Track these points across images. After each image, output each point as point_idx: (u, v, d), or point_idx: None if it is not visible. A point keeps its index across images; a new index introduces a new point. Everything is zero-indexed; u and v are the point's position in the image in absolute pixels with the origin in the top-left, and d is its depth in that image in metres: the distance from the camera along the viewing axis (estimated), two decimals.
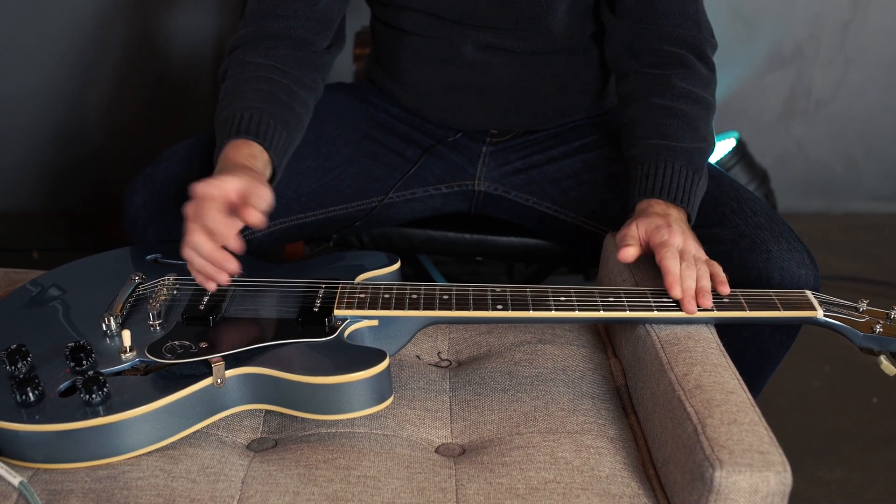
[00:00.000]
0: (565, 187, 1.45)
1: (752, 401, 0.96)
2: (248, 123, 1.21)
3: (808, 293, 1.11)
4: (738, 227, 1.27)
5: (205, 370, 0.98)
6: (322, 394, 0.97)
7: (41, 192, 2.64)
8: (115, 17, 2.43)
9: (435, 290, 1.10)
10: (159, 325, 1.06)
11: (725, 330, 1.14)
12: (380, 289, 1.10)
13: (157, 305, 1.08)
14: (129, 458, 0.94)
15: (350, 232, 1.53)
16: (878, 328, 1.07)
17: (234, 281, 1.14)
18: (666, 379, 1.00)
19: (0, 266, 1.37)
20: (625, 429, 1.07)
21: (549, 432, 1.03)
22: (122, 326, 1.05)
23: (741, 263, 1.24)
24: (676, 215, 1.20)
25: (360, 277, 1.17)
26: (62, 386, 0.96)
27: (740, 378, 1.00)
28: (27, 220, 2.63)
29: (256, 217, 1.02)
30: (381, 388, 0.99)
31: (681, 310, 1.08)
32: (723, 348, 1.07)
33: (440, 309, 1.07)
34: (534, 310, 1.07)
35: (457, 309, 1.07)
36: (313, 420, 1.03)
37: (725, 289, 1.10)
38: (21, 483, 0.90)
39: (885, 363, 1.07)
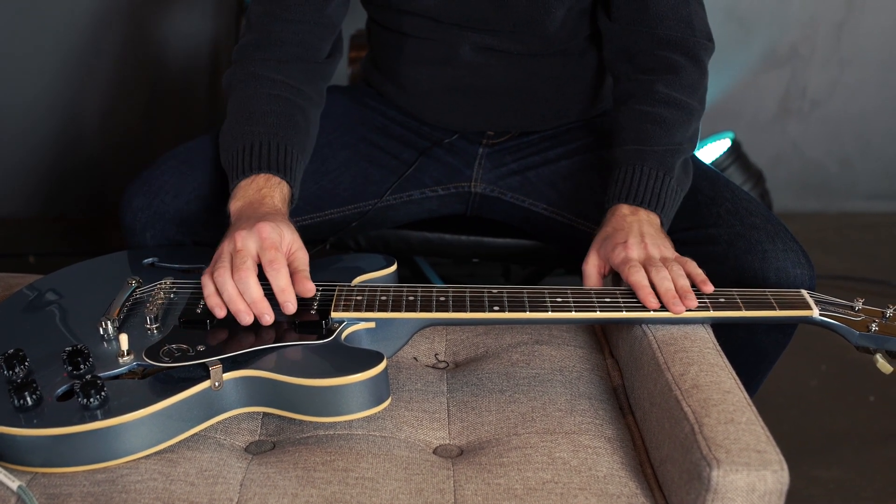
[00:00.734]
0: (562, 189, 1.46)
1: (749, 400, 0.96)
2: (276, 156, 1.22)
3: (804, 292, 1.11)
4: (734, 228, 1.27)
5: (202, 373, 0.98)
6: (319, 396, 0.97)
7: (38, 197, 2.64)
8: (112, 22, 2.43)
9: (432, 291, 1.10)
10: (156, 328, 1.06)
11: (722, 329, 1.14)
12: (377, 291, 1.10)
13: (154, 309, 1.08)
14: (127, 462, 0.94)
15: (346, 234, 1.53)
16: (874, 327, 1.07)
17: None
18: (663, 379, 1.01)
19: None
20: (622, 429, 1.08)
21: (546, 433, 1.03)
22: (119, 330, 1.05)
23: (737, 264, 1.25)
24: (644, 218, 1.21)
25: (357, 280, 1.18)
26: (60, 390, 0.96)
27: (737, 377, 1.01)
28: (24, 225, 2.63)
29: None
30: (379, 390, 0.99)
31: None
32: (719, 348, 1.07)
33: (437, 311, 1.07)
34: (530, 311, 1.07)
35: (453, 310, 1.07)
36: (311, 422, 1.03)
37: (708, 287, 1.10)
38: (20, 487, 0.90)
39: (880, 361, 1.07)
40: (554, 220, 1.46)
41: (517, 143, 1.51)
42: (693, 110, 1.33)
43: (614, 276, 1.20)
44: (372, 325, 1.08)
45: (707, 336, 1.08)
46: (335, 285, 1.12)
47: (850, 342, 1.09)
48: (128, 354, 1.01)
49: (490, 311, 1.07)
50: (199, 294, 1.11)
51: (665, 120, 1.29)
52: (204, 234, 1.33)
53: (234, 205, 1.19)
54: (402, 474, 0.96)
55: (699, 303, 1.08)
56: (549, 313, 1.07)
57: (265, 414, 1.07)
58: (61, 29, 2.43)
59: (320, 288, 1.12)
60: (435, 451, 1.02)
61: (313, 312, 1.07)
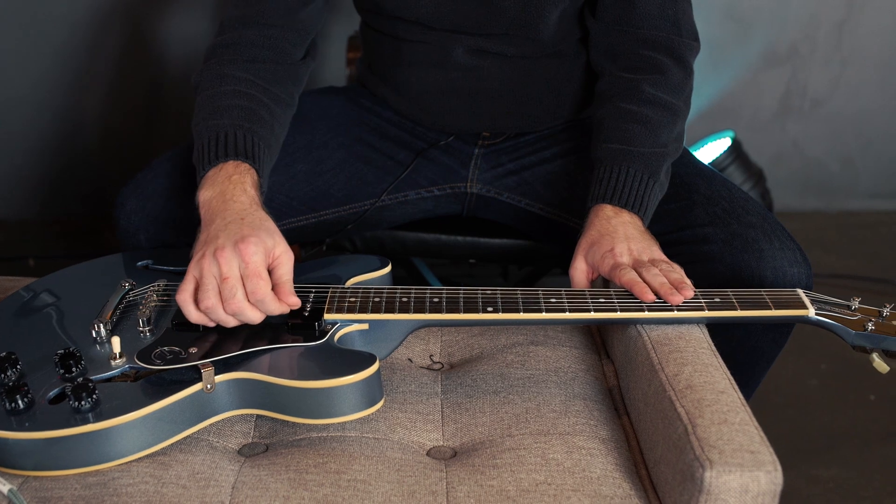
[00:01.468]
0: (558, 188, 1.45)
1: (743, 400, 0.96)
2: (243, 144, 1.19)
3: (800, 292, 1.11)
4: (730, 227, 1.27)
5: (194, 376, 0.98)
6: (312, 398, 0.97)
7: (37, 199, 2.64)
8: (110, 23, 2.43)
9: (425, 293, 1.10)
10: (149, 331, 1.06)
11: (718, 329, 1.14)
12: (370, 292, 1.10)
13: (147, 311, 1.07)
14: (119, 465, 0.94)
15: (342, 235, 1.53)
16: (870, 326, 1.07)
17: None
18: (657, 379, 1.00)
19: None
20: (617, 430, 1.07)
21: (540, 434, 1.02)
22: (111, 333, 1.05)
23: (733, 263, 1.24)
24: (627, 220, 1.21)
25: (351, 281, 1.17)
26: (52, 393, 0.96)
27: (731, 378, 1.00)
28: (23, 227, 2.63)
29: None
30: (371, 392, 0.98)
31: (672, 310, 1.07)
32: (714, 348, 1.06)
33: (430, 312, 1.07)
34: (524, 311, 1.06)
35: (447, 312, 1.07)
36: (304, 424, 1.02)
37: (688, 292, 1.08)
38: (10, 491, 0.90)
39: (877, 361, 1.07)
40: (550, 219, 1.46)
41: (513, 144, 1.51)
42: (678, 111, 1.32)
43: (603, 282, 1.20)
44: (365, 326, 1.08)
45: (702, 336, 1.08)
46: (328, 287, 1.12)
47: (847, 341, 1.09)
48: (120, 357, 1.01)
49: (484, 311, 1.07)
50: None
51: (650, 120, 1.29)
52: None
53: (204, 194, 1.15)
54: (395, 476, 0.95)
55: (695, 303, 1.07)
56: (544, 314, 1.06)
57: (259, 416, 1.07)
58: (60, 31, 2.43)
59: (313, 289, 1.12)
60: (428, 453, 1.02)
61: (306, 314, 1.07)
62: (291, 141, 1.43)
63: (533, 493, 0.93)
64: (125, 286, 1.15)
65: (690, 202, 1.33)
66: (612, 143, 1.28)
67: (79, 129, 2.57)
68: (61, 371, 0.98)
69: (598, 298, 1.09)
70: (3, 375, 0.97)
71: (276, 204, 1.40)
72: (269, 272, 1.04)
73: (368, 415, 0.99)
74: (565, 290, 1.10)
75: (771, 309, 1.08)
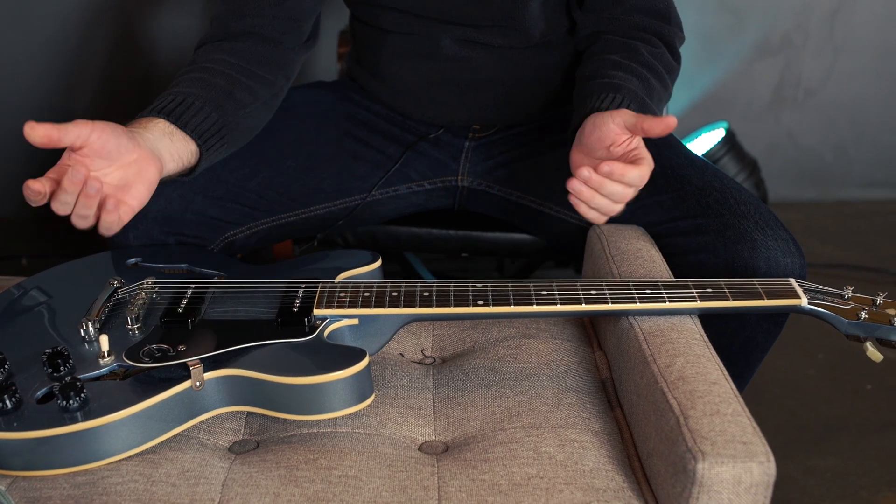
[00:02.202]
0: (549, 181, 1.45)
1: (736, 391, 0.95)
2: (166, 104, 1.19)
3: (792, 281, 1.10)
4: (723, 217, 1.26)
5: (183, 373, 0.97)
6: (301, 394, 0.96)
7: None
8: (101, 19, 2.42)
9: (415, 286, 1.09)
10: (138, 328, 1.05)
11: (711, 320, 1.13)
12: (360, 287, 1.09)
13: (136, 309, 1.07)
14: (108, 464, 0.93)
15: (334, 231, 1.52)
16: (864, 314, 1.06)
17: (213, 282, 1.14)
18: (649, 371, 1.00)
19: None
20: (610, 422, 1.07)
21: (532, 427, 1.02)
22: (100, 331, 1.04)
23: (726, 253, 1.24)
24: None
25: (341, 276, 1.17)
26: (40, 392, 0.95)
27: (724, 368, 0.99)
28: (15, 226, 2.62)
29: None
30: (362, 387, 0.98)
31: (664, 301, 1.07)
32: (706, 339, 1.06)
33: (421, 306, 1.06)
34: (515, 304, 1.06)
35: (437, 305, 1.06)
36: (295, 420, 1.02)
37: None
38: None
39: (870, 350, 1.06)
40: (542, 212, 1.45)
41: (504, 136, 1.50)
42: (667, 88, 1.31)
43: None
44: (355, 321, 1.07)
45: (694, 327, 1.07)
46: (318, 282, 1.11)
47: (840, 330, 1.08)
48: (108, 355, 1.00)
49: (474, 305, 1.06)
50: (181, 294, 1.10)
51: (647, 80, 1.26)
52: (187, 233, 1.32)
53: None
54: (386, 472, 0.95)
55: (687, 294, 1.07)
56: (535, 306, 1.06)
57: (249, 413, 1.06)
58: (50, 28, 2.42)
59: (303, 284, 1.11)
60: (420, 448, 1.01)
61: (295, 310, 1.06)
62: (280, 136, 1.42)
63: (525, 487, 0.92)
64: (113, 284, 1.14)
65: (682, 193, 1.32)
66: (603, 79, 1.25)
67: None
68: (49, 370, 0.97)
69: (589, 290, 1.08)
70: None
71: (266, 200, 1.39)
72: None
73: (359, 410, 0.99)
74: (556, 283, 1.09)
75: (763, 299, 1.07)
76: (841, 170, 2.94)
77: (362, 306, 1.06)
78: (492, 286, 1.08)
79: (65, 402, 0.91)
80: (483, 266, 2.37)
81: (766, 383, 1.99)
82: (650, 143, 1.38)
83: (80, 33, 2.43)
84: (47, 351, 0.97)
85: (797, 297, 1.07)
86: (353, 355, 0.98)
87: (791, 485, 1.70)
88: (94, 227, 1.08)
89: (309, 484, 0.92)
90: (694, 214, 1.29)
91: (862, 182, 2.96)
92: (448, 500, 0.91)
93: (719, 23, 2.69)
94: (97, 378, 0.98)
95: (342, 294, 1.08)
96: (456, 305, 1.06)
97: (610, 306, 1.07)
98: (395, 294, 1.08)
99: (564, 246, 1.54)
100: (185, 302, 1.08)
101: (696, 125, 2.59)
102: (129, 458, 0.94)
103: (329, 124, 1.49)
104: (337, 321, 1.06)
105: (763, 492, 0.86)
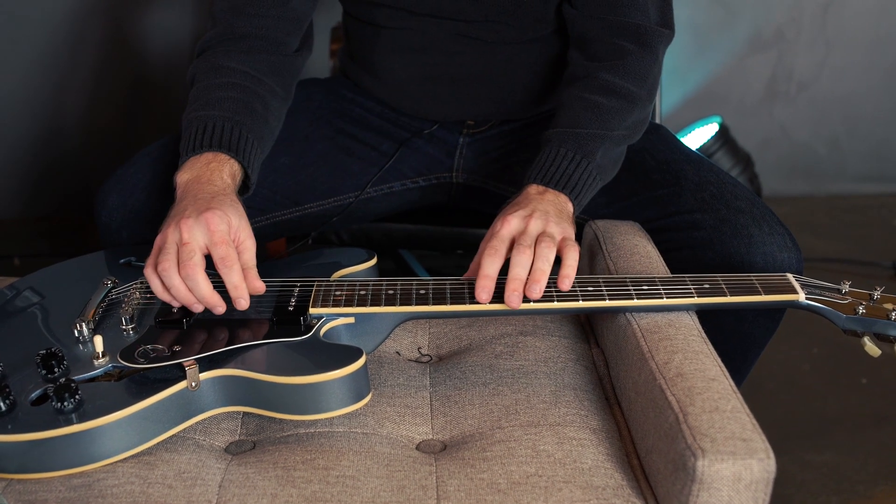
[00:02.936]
0: None
1: (735, 388, 0.95)
2: (229, 136, 1.18)
3: (790, 276, 1.10)
4: (720, 212, 1.26)
5: (179, 374, 0.96)
6: (298, 394, 0.95)
7: (20, 197, 2.61)
8: (91, 18, 2.40)
9: (411, 284, 1.08)
10: (132, 329, 1.04)
11: (709, 316, 1.13)
12: (356, 285, 1.09)
13: (130, 309, 1.06)
14: (104, 466, 0.92)
15: (328, 228, 1.51)
16: (861, 309, 1.06)
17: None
18: (647, 368, 0.99)
19: None
20: (608, 419, 1.06)
21: (530, 425, 1.01)
22: (94, 332, 1.03)
23: (723, 249, 1.23)
24: (550, 199, 1.17)
25: (337, 274, 1.16)
26: (34, 394, 0.94)
27: (722, 365, 0.99)
28: (7, 226, 2.60)
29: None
30: (358, 387, 0.97)
31: (662, 298, 1.06)
32: (704, 335, 1.05)
33: (417, 304, 1.06)
34: None
35: (434, 303, 1.06)
36: (292, 420, 1.01)
37: (564, 285, 1.06)
38: None
39: (868, 344, 1.06)
40: None
41: (498, 132, 1.49)
42: (635, 98, 1.29)
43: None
44: (351, 320, 1.06)
45: (692, 323, 1.07)
46: (314, 281, 1.11)
47: (837, 325, 1.08)
48: (103, 356, 0.99)
49: (471, 302, 1.05)
50: None
51: (600, 107, 1.26)
52: None
53: (182, 176, 1.14)
54: (384, 471, 0.94)
55: (684, 290, 1.06)
56: (531, 304, 1.05)
57: (245, 413, 1.05)
58: (40, 27, 2.40)
59: (298, 283, 1.10)
60: (418, 447, 1.01)
61: (291, 309, 1.05)
62: None
63: (524, 486, 0.92)
64: (107, 284, 1.13)
65: (679, 188, 1.31)
66: (557, 128, 1.26)
67: (62, 127, 2.55)
68: (43, 372, 0.96)
69: (585, 287, 1.08)
70: None
71: (260, 198, 1.39)
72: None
73: (356, 409, 0.98)
74: (553, 279, 1.09)
75: (761, 294, 1.07)
76: (834, 164, 2.94)
77: (358, 305, 1.06)
78: None
79: (59, 404, 0.91)
80: None
81: (762, 378, 1.99)
82: (646, 137, 1.38)
83: (71, 35, 2.41)
84: (41, 352, 0.97)
85: (795, 292, 1.07)
86: (350, 354, 0.97)
87: (787, 479, 1.70)
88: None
89: (306, 484, 0.92)
90: (690, 210, 1.29)
91: (855, 176, 2.96)
92: (447, 499, 0.91)
93: (711, 17, 2.69)
94: (92, 379, 0.98)
95: (338, 292, 1.07)
96: (453, 303, 1.05)
97: (607, 303, 1.06)
98: (391, 292, 1.07)
99: None
100: None
101: (689, 120, 2.59)
102: (125, 459, 0.94)
103: (322, 121, 1.48)
104: (333, 320, 1.05)
105: (763, 489, 0.86)
